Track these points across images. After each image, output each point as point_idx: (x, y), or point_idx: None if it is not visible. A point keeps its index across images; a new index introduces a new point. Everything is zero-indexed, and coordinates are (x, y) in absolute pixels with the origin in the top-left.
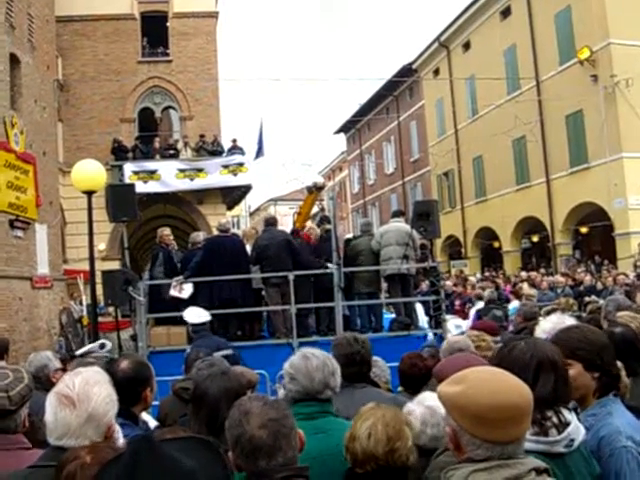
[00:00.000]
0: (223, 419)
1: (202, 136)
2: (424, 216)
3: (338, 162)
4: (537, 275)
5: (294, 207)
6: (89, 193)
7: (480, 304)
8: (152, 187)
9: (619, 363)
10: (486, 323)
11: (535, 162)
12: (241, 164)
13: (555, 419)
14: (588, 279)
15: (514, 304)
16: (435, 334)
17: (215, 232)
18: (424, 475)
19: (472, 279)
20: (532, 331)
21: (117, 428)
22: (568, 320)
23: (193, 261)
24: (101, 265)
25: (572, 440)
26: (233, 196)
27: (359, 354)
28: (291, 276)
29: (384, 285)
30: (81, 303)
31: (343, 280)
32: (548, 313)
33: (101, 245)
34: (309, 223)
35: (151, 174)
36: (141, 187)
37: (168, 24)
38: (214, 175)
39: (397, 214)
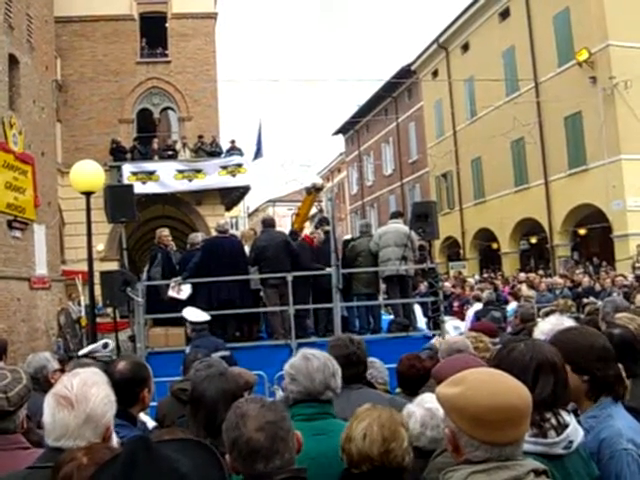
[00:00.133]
0: (221, 420)
1: (201, 137)
2: (422, 217)
3: (337, 163)
4: (535, 276)
5: (293, 208)
6: (87, 194)
7: (477, 305)
8: (150, 188)
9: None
10: (485, 324)
11: (534, 164)
12: (240, 165)
13: (554, 421)
14: (586, 280)
15: (512, 305)
16: (434, 335)
17: (213, 233)
18: (422, 476)
19: (470, 280)
20: (530, 332)
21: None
22: (567, 321)
23: (191, 262)
24: (99, 266)
25: (571, 442)
26: (232, 197)
27: (355, 355)
28: (289, 277)
29: (382, 286)
30: (79, 304)
31: (342, 281)
32: (547, 314)
33: (99, 246)
34: (308, 224)
35: (149, 175)
36: (139, 188)
37: (167, 25)
38: (213, 176)
39: (395, 215)
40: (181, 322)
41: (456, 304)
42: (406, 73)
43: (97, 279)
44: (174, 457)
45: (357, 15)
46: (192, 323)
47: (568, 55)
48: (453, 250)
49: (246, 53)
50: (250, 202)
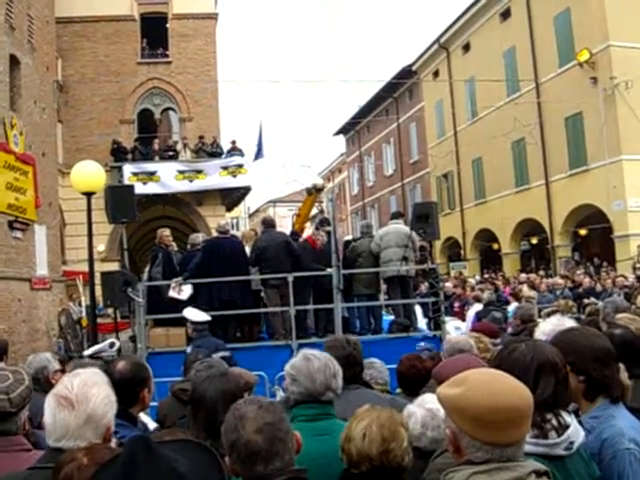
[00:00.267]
0: (221, 421)
1: (201, 137)
2: (423, 218)
3: (337, 164)
4: (536, 277)
5: (293, 209)
6: (88, 194)
7: (477, 306)
8: (151, 188)
9: (620, 365)
10: (486, 325)
11: (534, 164)
12: (240, 165)
13: (555, 422)
14: (587, 281)
15: (513, 306)
16: (434, 336)
17: (214, 233)
18: (422, 477)
19: (471, 281)
20: (531, 333)
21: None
22: (568, 322)
23: (192, 262)
24: (100, 266)
25: (572, 443)
26: (232, 197)
27: (352, 356)
28: (290, 277)
29: (383, 287)
30: (80, 304)
31: (342, 282)
32: (549, 315)
33: (100, 246)
34: (309, 225)
35: (150, 175)
36: (140, 188)
37: (168, 25)
38: (213, 176)
39: (396, 216)
40: (182, 322)
41: (457, 305)
42: (407, 73)
43: (98, 280)
44: (173, 457)
45: (358, 15)
46: (193, 323)
47: (569, 55)
48: (454, 251)
49: (247, 54)
50: (251, 203)
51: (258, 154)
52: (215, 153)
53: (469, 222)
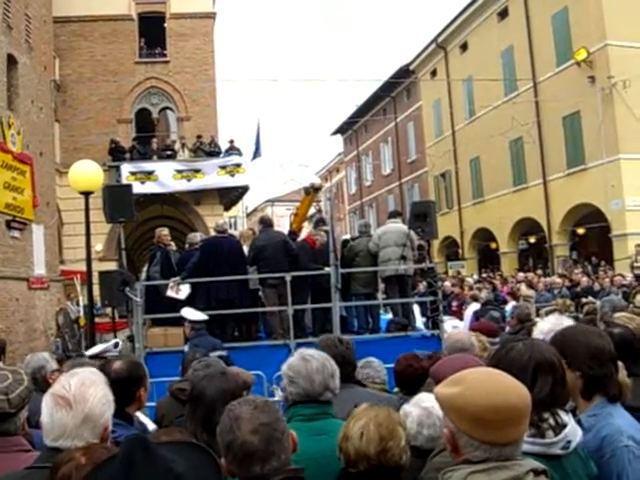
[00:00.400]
0: (219, 420)
1: (199, 137)
2: (421, 217)
3: (335, 163)
4: (534, 276)
5: (291, 208)
6: (86, 194)
7: (474, 305)
8: (149, 188)
9: (620, 364)
10: (485, 324)
11: (532, 163)
12: (238, 165)
13: (552, 421)
14: (585, 280)
15: (511, 305)
16: (432, 335)
17: (212, 233)
18: (420, 476)
19: (469, 280)
20: (529, 332)
21: None
22: (566, 321)
23: (190, 262)
24: (98, 266)
25: (569, 442)
26: (230, 197)
27: (344, 355)
28: (288, 277)
29: (381, 286)
30: (78, 304)
31: (340, 281)
32: (548, 314)
33: (98, 246)
34: (306, 224)
35: (148, 175)
36: (138, 188)
37: (165, 25)
38: (211, 176)
39: (394, 215)
40: (180, 322)
41: (455, 304)
42: (405, 73)
43: (96, 279)
44: (171, 458)
45: (356, 15)
46: (191, 322)
47: (566, 55)
48: (452, 250)
49: (245, 53)
50: (249, 202)
51: (256, 153)
52: (213, 152)
53: (467, 221)
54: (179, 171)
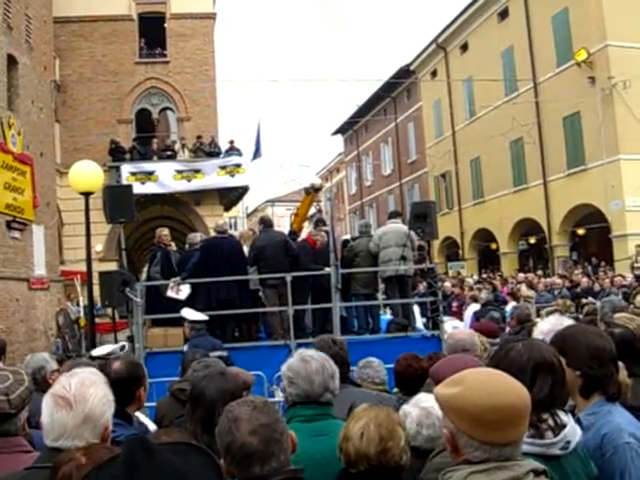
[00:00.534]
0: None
1: (199, 137)
2: (421, 217)
3: (335, 163)
4: (534, 277)
5: (291, 208)
6: (86, 194)
7: (474, 306)
8: (149, 188)
9: (620, 364)
10: (486, 325)
11: (532, 164)
12: (238, 165)
13: (551, 421)
14: (585, 281)
15: (511, 306)
16: (432, 335)
17: (212, 233)
18: (420, 477)
19: (469, 280)
20: (529, 332)
21: None
22: (566, 321)
23: (190, 262)
24: (98, 266)
25: (568, 442)
26: (230, 197)
27: (338, 355)
28: (288, 277)
29: (381, 286)
30: (78, 304)
31: (340, 281)
32: (549, 315)
33: (98, 246)
34: (307, 225)
35: (148, 175)
36: (138, 188)
37: (166, 25)
38: (211, 176)
39: (394, 215)
40: (180, 322)
41: (455, 304)
42: (405, 73)
43: (96, 279)
44: (172, 457)
45: (356, 15)
46: (191, 322)
47: (567, 55)
48: (452, 250)
49: (245, 53)
50: (249, 202)
51: (256, 154)
52: (213, 153)
53: (467, 222)
54: (179, 171)
